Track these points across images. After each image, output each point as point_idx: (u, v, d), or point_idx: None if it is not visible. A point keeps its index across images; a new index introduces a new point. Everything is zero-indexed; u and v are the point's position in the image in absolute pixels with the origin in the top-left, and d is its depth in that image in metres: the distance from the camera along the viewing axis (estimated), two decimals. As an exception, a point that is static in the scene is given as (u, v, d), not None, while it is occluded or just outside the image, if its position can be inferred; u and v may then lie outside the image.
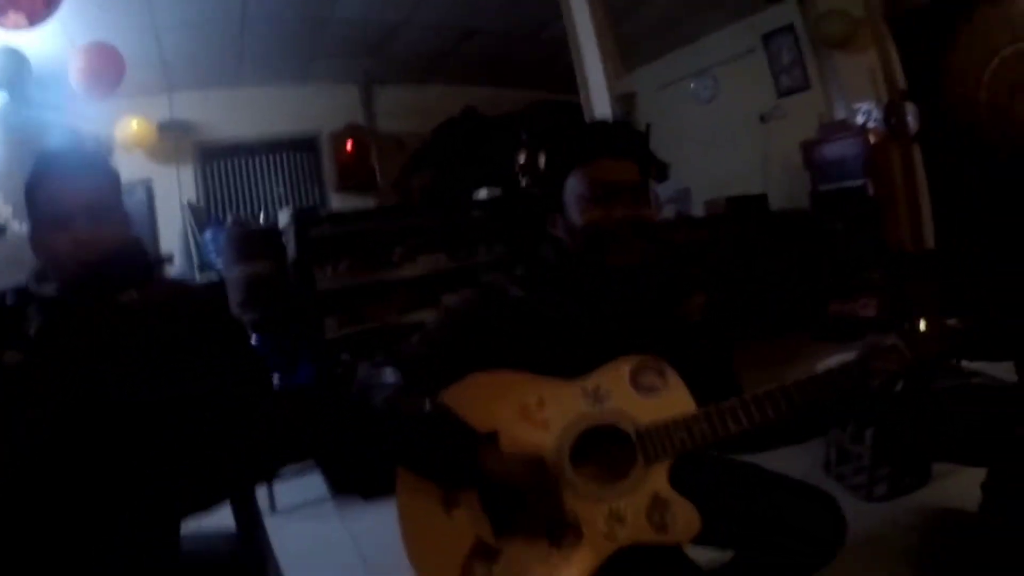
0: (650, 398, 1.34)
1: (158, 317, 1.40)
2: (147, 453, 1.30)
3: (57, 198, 1.38)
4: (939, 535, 2.21)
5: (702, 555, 1.45)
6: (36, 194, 1.42)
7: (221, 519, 1.51)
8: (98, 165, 1.49)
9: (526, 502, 1.29)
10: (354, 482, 3.26)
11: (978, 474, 2.07)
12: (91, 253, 1.38)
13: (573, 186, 1.46)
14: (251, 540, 1.53)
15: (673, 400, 1.34)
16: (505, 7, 5.51)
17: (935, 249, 4.38)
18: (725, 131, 6.33)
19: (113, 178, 1.49)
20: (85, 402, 1.29)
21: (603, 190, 1.43)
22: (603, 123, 1.78)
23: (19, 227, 3.58)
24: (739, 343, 1.62)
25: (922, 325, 1.30)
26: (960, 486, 2.28)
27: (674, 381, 1.35)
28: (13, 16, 3.23)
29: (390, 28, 5.68)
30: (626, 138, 1.53)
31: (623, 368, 1.37)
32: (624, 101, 3.81)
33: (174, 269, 5.62)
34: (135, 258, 1.50)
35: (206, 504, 1.42)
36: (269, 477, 1.53)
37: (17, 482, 1.26)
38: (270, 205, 6.54)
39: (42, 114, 4.88)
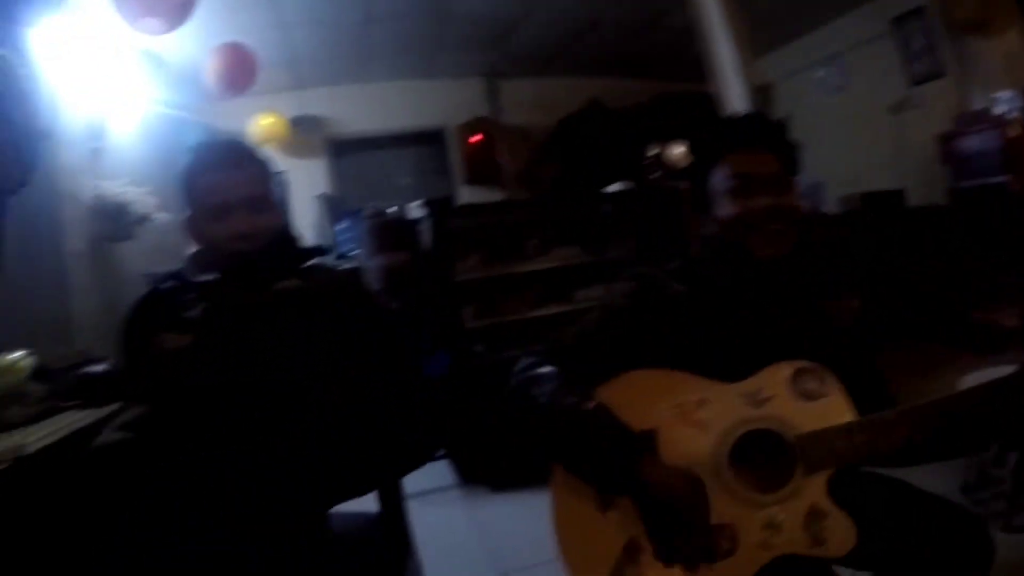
0: (811, 404, 1.32)
1: (316, 304, 1.48)
2: (304, 438, 1.37)
3: (215, 190, 1.45)
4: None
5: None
6: (194, 185, 1.49)
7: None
8: (253, 157, 1.56)
9: (677, 516, 1.29)
10: (484, 472, 3.33)
11: None
12: (249, 243, 1.45)
13: (715, 182, 1.47)
14: (395, 524, 1.60)
15: (834, 408, 1.31)
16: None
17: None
18: (856, 122, 6.08)
19: (267, 169, 1.57)
20: (249, 385, 1.38)
21: (743, 182, 1.43)
22: (737, 116, 1.77)
23: (163, 217, 3.82)
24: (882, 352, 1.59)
25: None
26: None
27: (835, 388, 1.33)
28: (149, 21, 3.37)
29: (512, 21, 5.72)
30: (761, 129, 1.52)
31: (784, 372, 1.35)
32: (761, 92, 3.70)
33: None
34: (290, 247, 1.59)
35: (364, 489, 1.50)
36: (424, 462, 1.60)
37: (179, 455, 1.35)
38: (400, 199, 6.64)
39: (181, 114, 5.12)
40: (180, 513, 1.31)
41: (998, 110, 4.84)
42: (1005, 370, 1.30)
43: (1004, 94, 4.78)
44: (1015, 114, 4.69)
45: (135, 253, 3.99)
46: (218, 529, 1.30)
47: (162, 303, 1.50)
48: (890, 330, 1.62)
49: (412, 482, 3.24)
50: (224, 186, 1.45)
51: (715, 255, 1.51)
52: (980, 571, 1.30)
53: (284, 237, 1.57)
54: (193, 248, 1.55)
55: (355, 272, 3.98)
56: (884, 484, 1.47)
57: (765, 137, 1.49)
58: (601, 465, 1.33)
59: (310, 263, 1.62)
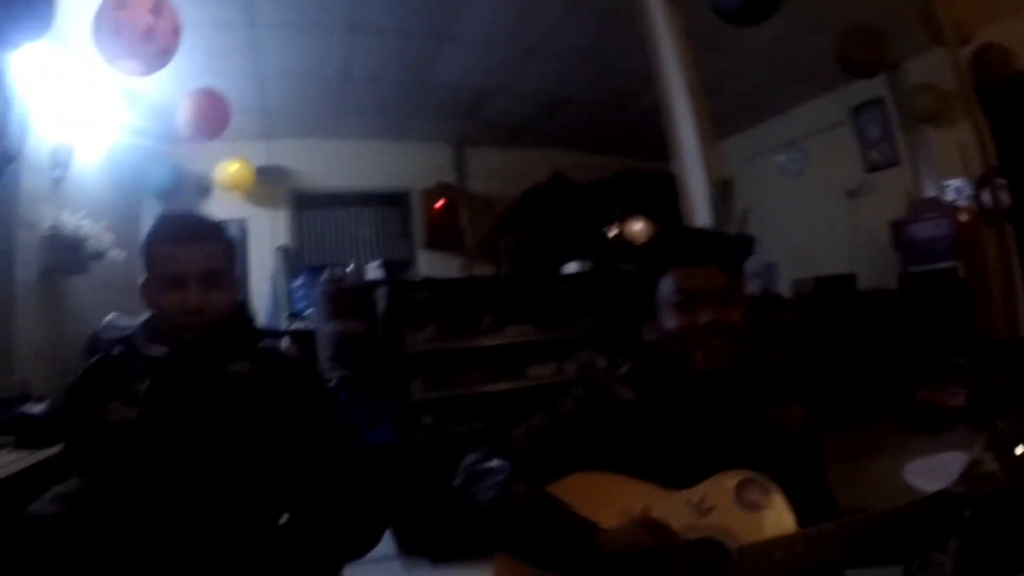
0: (754, 515, 1.33)
1: (265, 391, 1.46)
2: (249, 529, 1.34)
3: (172, 261, 1.44)
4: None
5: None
6: (153, 252, 1.48)
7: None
8: (215, 232, 1.55)
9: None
10: (425, 543, 3.25)
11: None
12: (196, 318, 1.43)
13: (661, 293, 1.49)
14: None
15: (776, 519, 1.32)
16: (598, 77, 5.61)
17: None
18: (812, 205, 6.27)
19: (228, 245, 1.56)
20: (192, 469, 1.35)
21: (687, 296, 1.45)
22: (686, 230, 1.79)
23: (118, 255, 3.79)
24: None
25: (1019, 450, 1.27)
26: (1048, 599, 2.19)
27: (777, 499, 1.34)
28: (128, 63, 3.38)
29: (486, 93, 5.84)
30: (709, 244, 1.55)
31: (729, 482, 1.36)
32: (722, 187, 3.77)
33: (262, 318, 5.77)
34: (243, 327, 1.57)
35: None
36: (372, 546, 1.56)
37: (113, 537, 1.31)
38: (359, 256, 6.57)
39: (149, 144, 5.16)
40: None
41: (949, 197, 5.02)
42: (950, 456, 1.30)
43: (955, 182, 4.97)
44: (965, 202, 4.85)
45: (85, 287, 3.96)
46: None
47: (111, 371, 1.47)
48: (836, 423, 1.63)
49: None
50: (181, 258, 1.45)
51: (658, 365, 1.52)
52: None
53: (237, 316, 1.56)
54: (147, 313, 1.53)
55: (297, 342, 3.93)
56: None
57: (712, 253, 1.52)
58: (553, 547, 1.31)
59: (262, 345, 1.60)
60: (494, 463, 1.43)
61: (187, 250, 1.46)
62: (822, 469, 1.55)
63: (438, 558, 3.23)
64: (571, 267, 4.06)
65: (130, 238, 3.86)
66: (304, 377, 1.59)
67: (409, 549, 3.37)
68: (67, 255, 3.65)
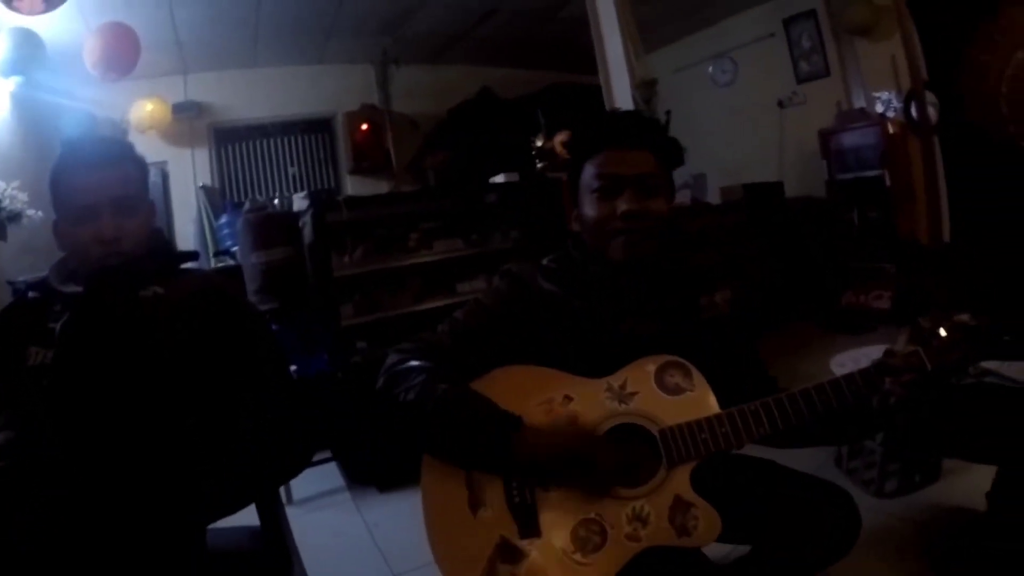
0: (675, 398, 1.34)
1: (181, 311, 1.39)
2: (174, 454, 1.29)
3: (82, 191, 1.37)
4: (948, 533, 2.20)
5: (718, 549, 1.44)
6: (61, 185, 1.40)
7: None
8: (125, 156, 1.46)
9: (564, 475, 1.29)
10: (371, 472, 3.28)
11: (987, 472, 2.07)
12: (114, 248, 1.37)
13: (584, 179, 1.47)
14: (275, 536, 1.51)
15: (697, 401, 1.33)
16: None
17: (951, 243, 4.31)
18: (742, 116, 6.31)
19: (139, 170, 1.48)
20: (109, 400, 1.29)
21: (609, 182, 1.42)
22: (611, 113, 1.72)
23: (35, 215, 3.58)
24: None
25: (942, 332, 1.26)
26: (970, 484, 2.28)
27: (699, 382, 1.35)
28: (29, 0, 3.19)
29: (407, 7, 5.61)
30: (635, 127, 1.49)
31: (649, 367, 1.37)
32: (645, 87, 3.77)
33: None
34: (158, 254, 1.49)
35: (235, 507, 1.39)
36: (299, 469, 1.52)
37: (38, 478, 1.26)
38: (285, 187, 6.50)
39: (56, 98, 4.86)
40: (52, 538, 1.22)
41: (878, 109, 5.10)
42: (875, 348, 1.32)
43: (884, 94, 5.03)
44: (893, 113, 4.93)
45: (7, 254, 3.75)
46: (93, 552, 1.21)
47: (26, 315, 1.40)
48: (764, 316, 1.63)
49: (302, 487, 3.17)
50: (91, 187, 1.36)
51: (580, 255, 1.51)
52: (847, 542, 1.32)
53: (154, 244, 1.48)
54: (61, 254, 1.46)
55: (223, 274, 3.82)
56: (746, 464, 1.49)
57: (639, 135, 1.47)
58: (478, 442, 1.31)
59: (181, 268, 1.54)
60: (414, 363, 1.40)
61: (97, 177, 1.37)
62: (754, 351, 1.56)
63: (384, 486, 3.25)
64: (498, 178, 4.00)
65: (45, 195, 3.61)
66: (223, 296, 1.51)
67: (356, 480, 3.40)
68: (-19, 221, 3.42)
